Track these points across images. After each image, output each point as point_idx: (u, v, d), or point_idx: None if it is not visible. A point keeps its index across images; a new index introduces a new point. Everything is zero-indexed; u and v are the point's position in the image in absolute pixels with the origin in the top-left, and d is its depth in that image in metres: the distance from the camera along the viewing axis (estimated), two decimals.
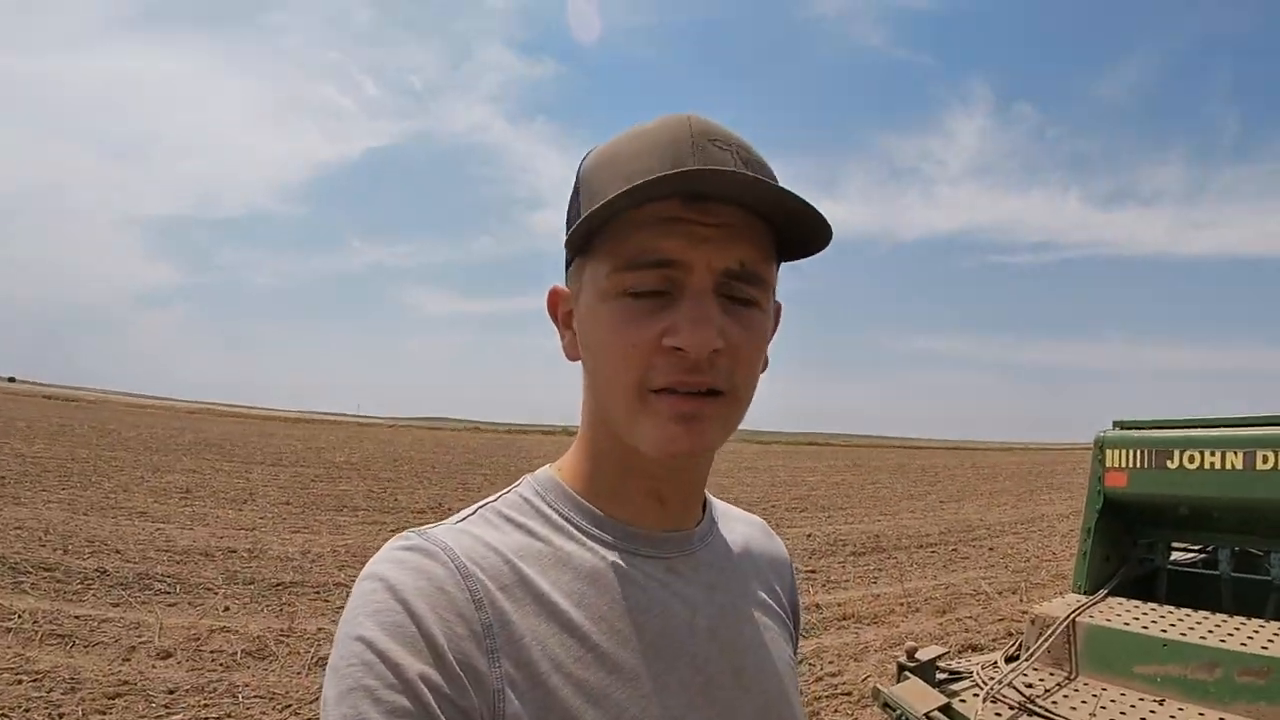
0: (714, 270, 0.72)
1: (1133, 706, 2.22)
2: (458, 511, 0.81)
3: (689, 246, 0.71)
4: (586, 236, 0.75)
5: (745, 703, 0.81)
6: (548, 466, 0.87)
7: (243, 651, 6.04)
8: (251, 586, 7.99)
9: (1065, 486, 26.74)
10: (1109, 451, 3.07)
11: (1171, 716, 2.14)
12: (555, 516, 0.81)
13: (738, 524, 0.98)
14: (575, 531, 0.80)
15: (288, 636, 6.49)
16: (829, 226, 0.74)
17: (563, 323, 0.83)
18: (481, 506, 0.81)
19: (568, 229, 0.78)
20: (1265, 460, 2.61)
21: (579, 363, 0.82)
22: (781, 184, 0.72)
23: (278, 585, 8.11)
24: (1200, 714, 2.14)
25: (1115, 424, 3.18)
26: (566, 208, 0.81)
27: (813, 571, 10.48)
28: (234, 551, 9.47)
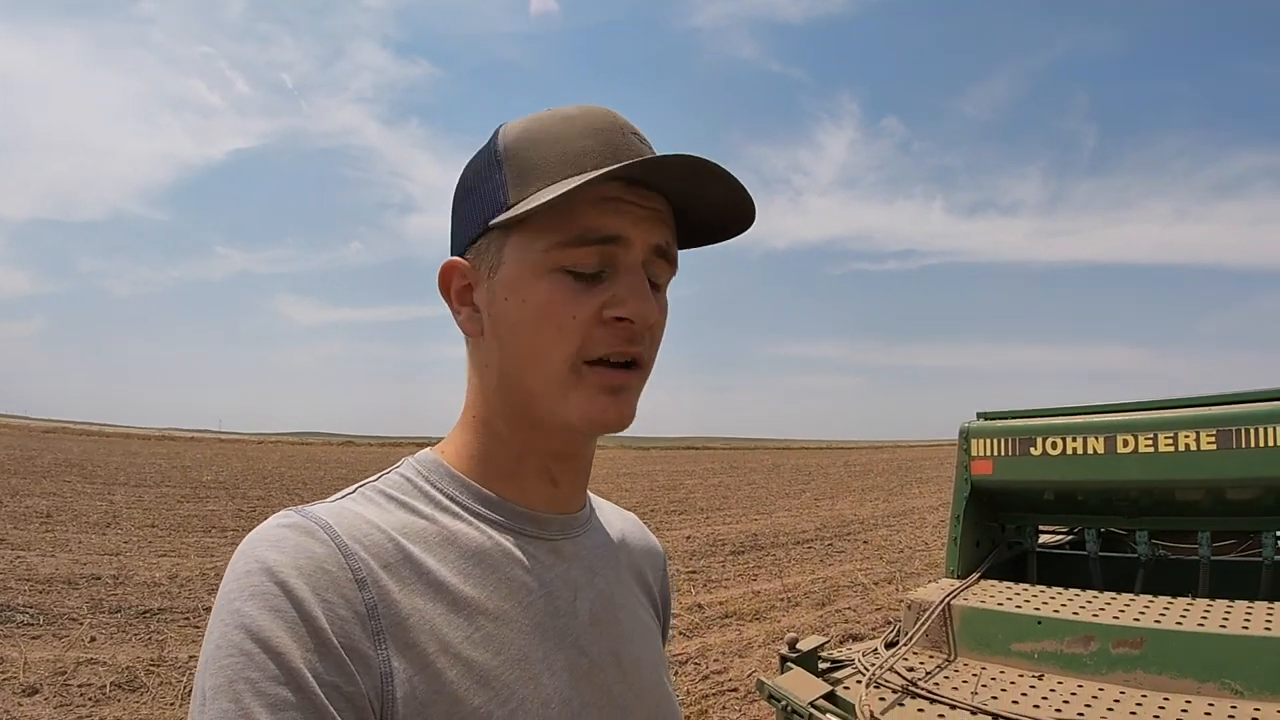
0: (646, 248, 0.76)
1: (1012, 683, 2.28)
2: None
3: (630, 225, 0.75)
4: (504, 213, 0.76)
5: (625, 687, 0.81)
6: (428, 449, 0.84)
7: (112, 684, 5.68)
8: (118, 615, 7.52)
9: (934, 480, 27.92)
10: (974, 441, 3.16)
11: (1051, 690, 2.21)
12: (439, 495, 0.78)
13: (614, 516, 0.99)
14: (460, 510, 0.78)
15: (158, 666, 6.14)
16: (750, 219, 0.82)
17: (458, 299, 0.81)
18: (361, 486, 0.78)
19: (477, 203, 0.79)
20: (1125, 444, 2.74)
21: (459, 347, 0.84)
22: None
23: (145, 612, 7.66)
24: (1079, 685, 2.21)
25: (980, 415, 3.27)
26: (468, 182, 0.81)
27: (693, 572, 10.61)
28: (98, 578, 8.94)
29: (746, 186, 0.77)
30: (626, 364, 0.76)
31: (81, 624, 7.17)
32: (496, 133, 0.80)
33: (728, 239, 0.85)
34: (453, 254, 0.82)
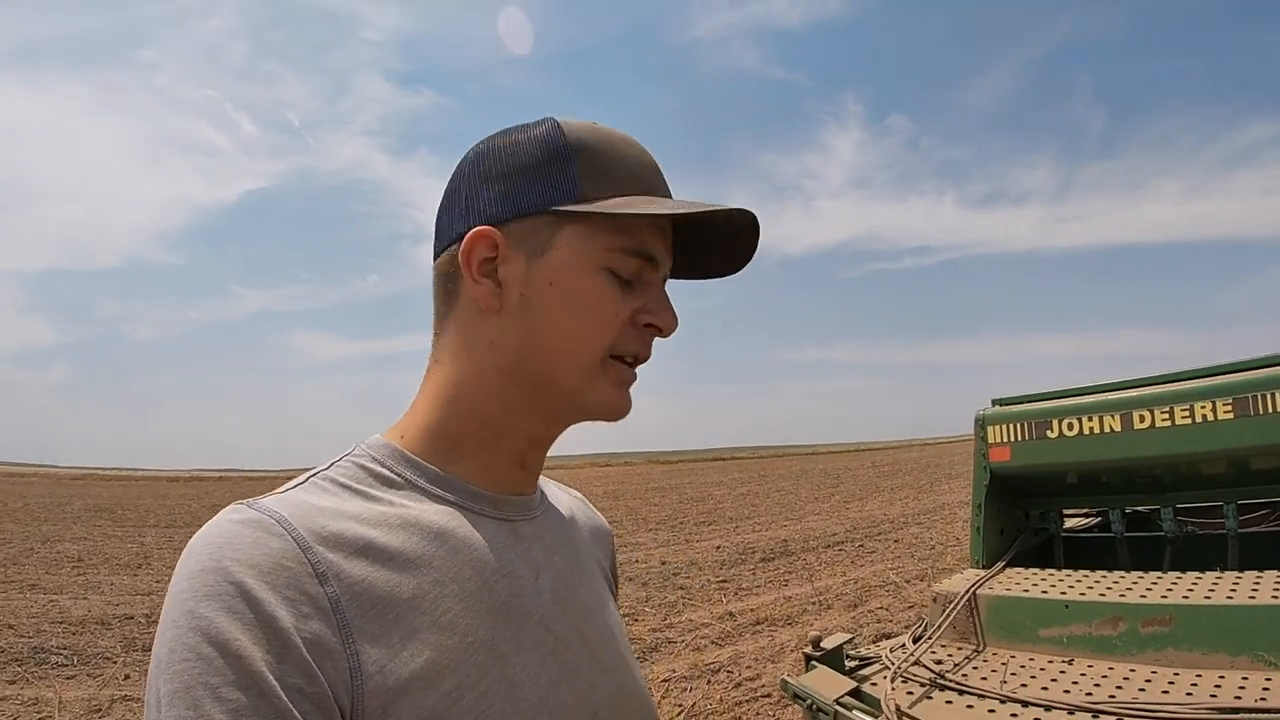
0: (666, 272, 0.84)
1: (1042, 669, 2.24)
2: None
3: (664, 251, 0.83)
4: (554, 208, 0.78)
5: (589, 663, 0.82)
6: (378, 435, 0.82)
7: None
8: (150, 654, 7.61)
9: (962, 475, 27.67)
10: (990, 428, 3.13)
11: (1081, 674, 2.16)
12: (396, 479, 0.77)
13: (561, 495, 0.99)
14: (417, 494, 0.78)
15: None
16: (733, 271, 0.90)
17: (479, 270, 0.79)
18: (311, 475, 0.76)
19: (536, 184, 0.79)
20: (1142, 420, 2.70)
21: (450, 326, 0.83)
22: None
23: None
24: (1110, 668, 2.17)
25: (994, 402, 3.24)
26: (519, 158, 0.80)
27: (724, 581, 10.55)
28: (131, 618, 8.98)
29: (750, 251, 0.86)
30: (632, 362, 0.83)
31: (116, 663, 7.23)
32: (556, 125, 0.80)
33: (707, 278, 0.92)
34: (472, 223, 0.80)
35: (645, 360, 0.83)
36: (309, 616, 0.63)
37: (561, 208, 0.77)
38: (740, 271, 0.89)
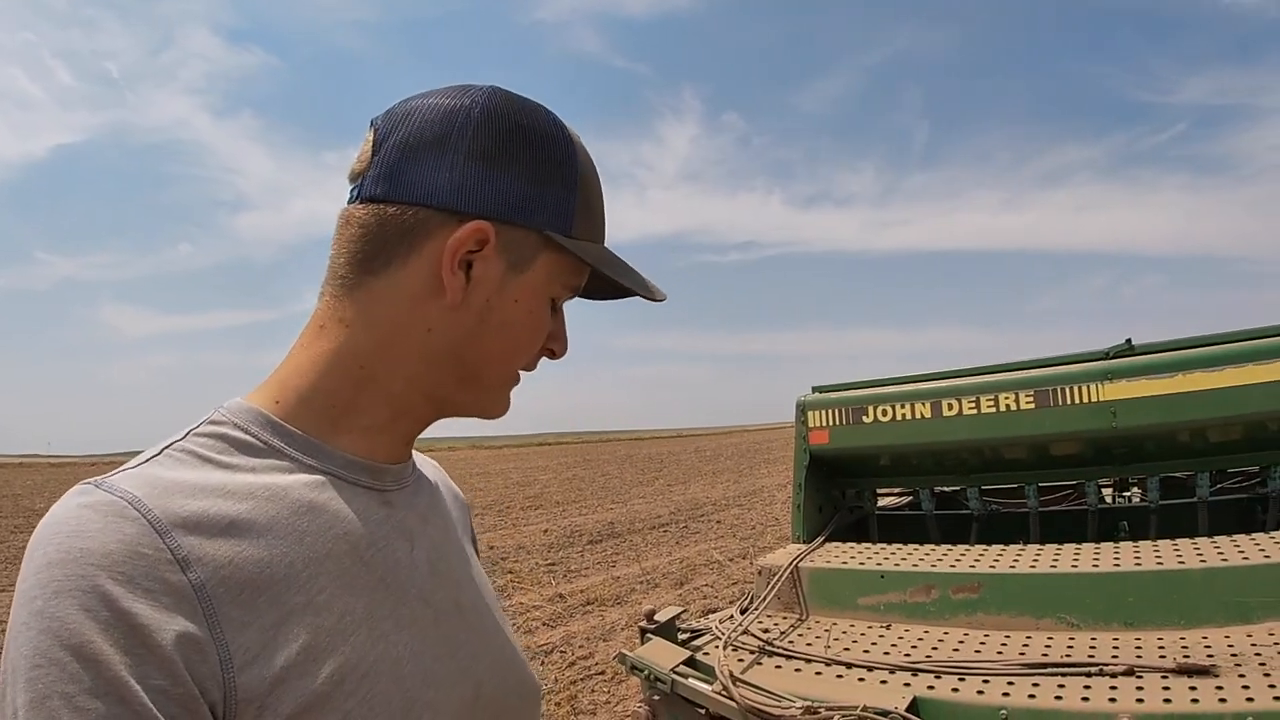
0: None
1: (862, 634, 2.43)
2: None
3: (573, 294, 0.84)
4: (548, 232, 0.77)
5: (469, 634, 0.80)
6: (239, 398, 0.75)
7: None
8: None
9: (781, 460, 28.79)
10: (810, 413, 3.34)
11: (899, 637, 2.36)
12: (261, 447, 0.71)
13: (423, 464, 0.93)
14: (286, 463, 0.71)
15: None
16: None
17: (461, 263, 0.73)
18: (166, 446, 0.69)
19: (542, 202, 0.76)
20: (950, 408, 2.96)
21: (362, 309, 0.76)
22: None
23: None
24: (925, 631, 2.38)
25: (814, 389, 3.44)
26: (536, 163, 0.76)
27: (552, 564, 10.60)
28: None
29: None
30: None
31: None
32: (566, 133, 0.78)
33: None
34: (461, 204, 0.73)
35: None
36: (170, 609, 0.58)
37: (553, 235, 0.76)
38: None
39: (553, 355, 0.85)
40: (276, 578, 0.64)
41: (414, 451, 0.89)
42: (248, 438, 0.71)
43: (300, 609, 0.64)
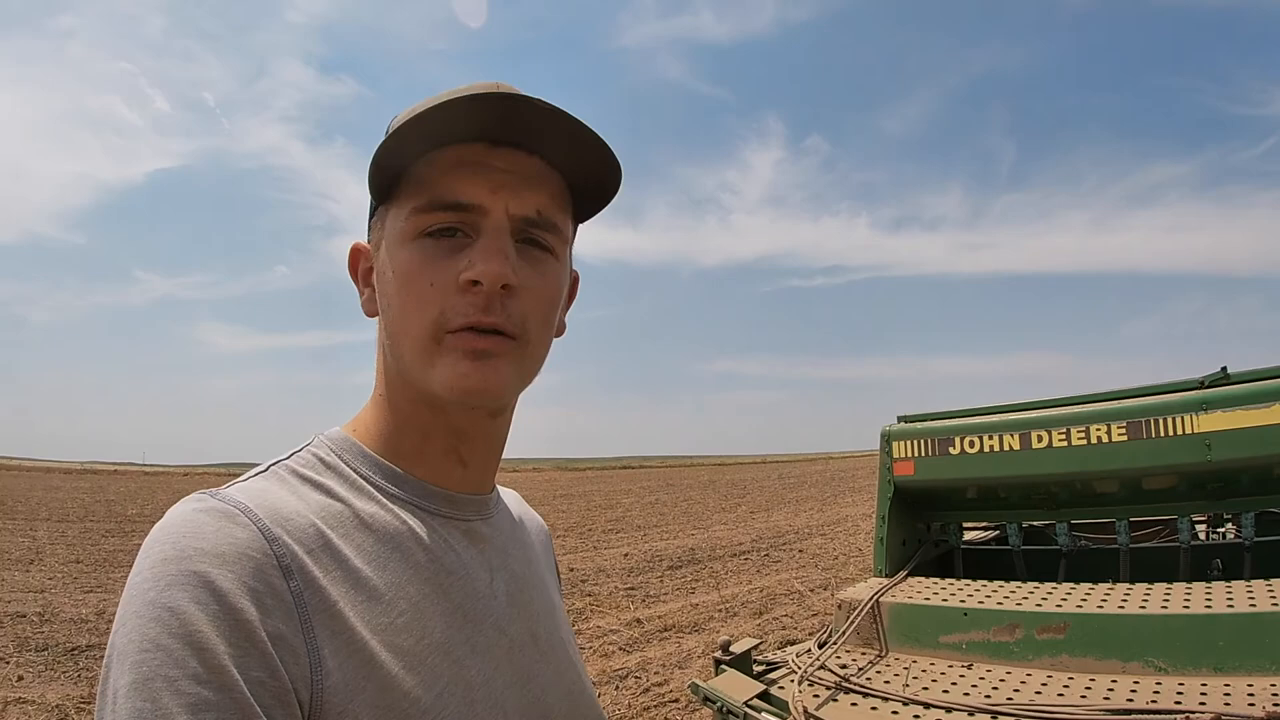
0: (512, 216, 0.74)
1: (942, 673, 2.34)
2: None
3: (488, 191, 0.73)
4: (391, 182, 0.76)
5: (543, 666, 0.82)
6: (339, 427, 0.81)
7: None
8: (45, 653, 7.25)
9: (866, 489, 28.32)
10: (895, 443, 3.24)
11: (980, 678, 2.26)
12: (353, 475, 0.76)
13: (507, 495, 0.97)
14: (374, 492, 0.75)
15: (89, 704, 5.86)
16: (619, 168, 0.79)
17: (363, 280, 0.81)
18: (273, 464, 0.75)
19: (370, 181, 0.78)
20: (1040, 439, 2.84)
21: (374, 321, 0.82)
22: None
23: (74, 650, 7.37)
24: (1007, 672, 2.28)
25: (900, 418, 3.36)
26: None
27: (632, 588, 10.60)
28: (24, 616, 8.59)
29: (610, 146, 0.77)
30: (494, 330, 0.73)
31: (8, 663, 6.92)
32: (392, 120, 0.79)
33: (602, 207, 0.84)
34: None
35: (496, 324, 0.73)
36: (273, 610, 0.61)
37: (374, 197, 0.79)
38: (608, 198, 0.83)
39: (479, 285, 0.71)
40: (362, 599, 0.68)
41: (496, 484, 0.92)
42: (341, 465, 0.77)
43: (382, 629, 0.68)
